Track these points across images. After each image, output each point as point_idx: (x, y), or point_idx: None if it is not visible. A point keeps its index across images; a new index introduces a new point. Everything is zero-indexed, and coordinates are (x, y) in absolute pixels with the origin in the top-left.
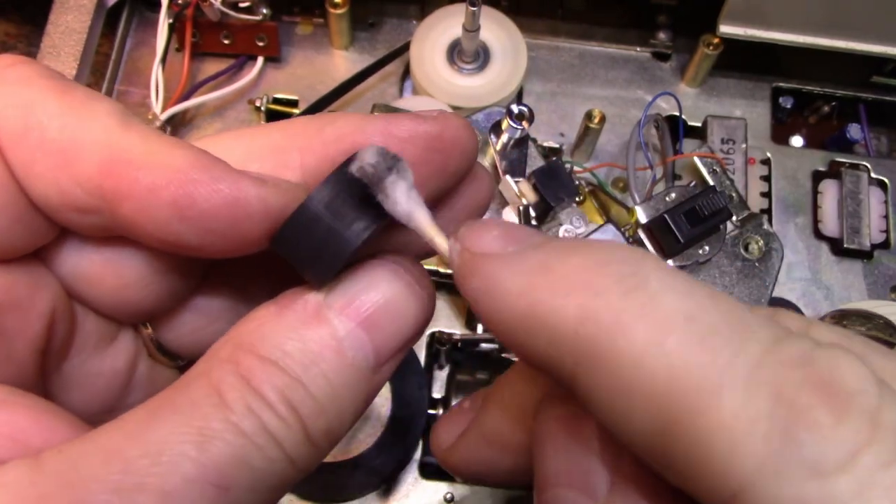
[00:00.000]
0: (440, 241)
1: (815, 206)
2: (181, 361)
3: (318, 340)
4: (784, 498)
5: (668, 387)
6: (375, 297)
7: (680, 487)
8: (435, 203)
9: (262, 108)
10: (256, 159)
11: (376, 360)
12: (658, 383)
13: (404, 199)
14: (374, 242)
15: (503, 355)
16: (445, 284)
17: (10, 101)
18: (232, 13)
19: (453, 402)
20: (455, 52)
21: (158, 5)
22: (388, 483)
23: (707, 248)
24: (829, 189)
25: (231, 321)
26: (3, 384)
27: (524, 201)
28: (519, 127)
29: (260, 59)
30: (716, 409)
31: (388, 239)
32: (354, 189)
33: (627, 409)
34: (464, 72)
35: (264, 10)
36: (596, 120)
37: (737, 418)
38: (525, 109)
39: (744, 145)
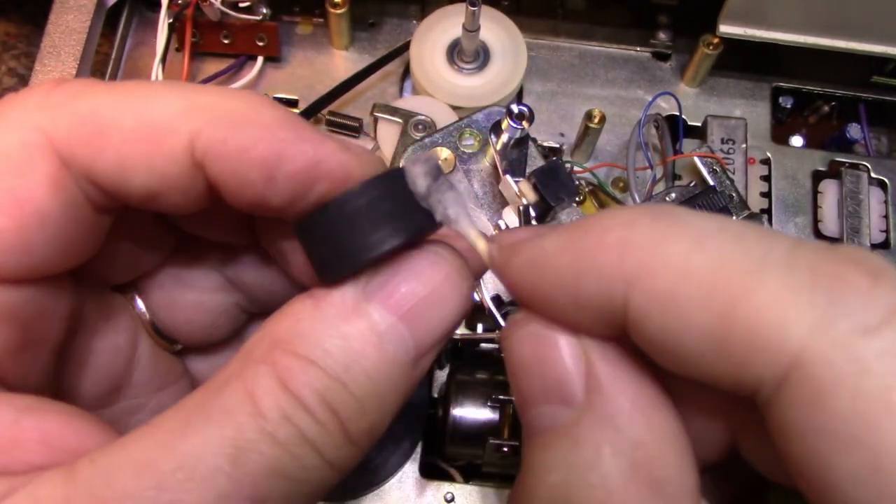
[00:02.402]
0: (481, 244)
1: (815, 206)
2: (178, 346)
3: (359, 337)
4: (838, 356)
5: (715, 280)
6: (417, 288)
7: (737, 385)
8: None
9: None
10: None
11: (417, 353)
12: (705, 280)
13: (454, 207)
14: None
15: (503, 355)
16: None
17: (72, 119)
18: (232, 13)
19: (453, 402)
20: (455, 52)
21: (158, 5)
22: (389, 482)
23: None
24: (829, 189)
25: (221, 300)
26: (28, 394)
27: (524, 201)
28: (519, 127)
29: (260, 59)
30: (763, 287)
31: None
32: (401, 195)
33: (681, 315)
34: (464, 72)
35: (264, 10)
36: (596, 120)
37: (783, 291)
38: (525, 109)
39: (744, 145)
